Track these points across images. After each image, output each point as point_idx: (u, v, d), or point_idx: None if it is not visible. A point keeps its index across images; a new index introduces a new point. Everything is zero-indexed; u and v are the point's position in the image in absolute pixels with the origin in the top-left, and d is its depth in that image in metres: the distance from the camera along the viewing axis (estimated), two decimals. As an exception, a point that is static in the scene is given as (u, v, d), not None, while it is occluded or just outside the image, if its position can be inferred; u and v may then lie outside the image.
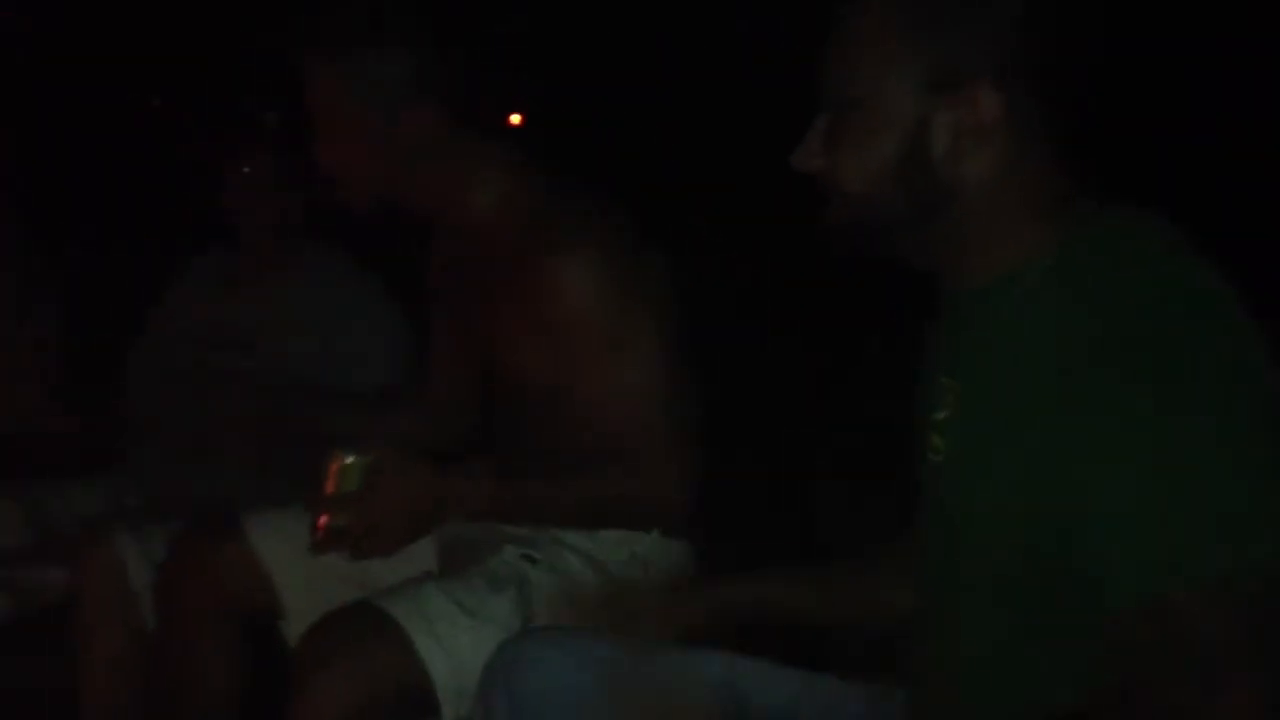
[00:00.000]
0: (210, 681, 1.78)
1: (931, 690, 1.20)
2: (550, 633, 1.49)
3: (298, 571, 1.69)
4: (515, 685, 1.31)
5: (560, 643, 1.35)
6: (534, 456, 1.73)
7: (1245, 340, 0.99)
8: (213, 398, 2.30)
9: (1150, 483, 0.93)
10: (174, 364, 2.42)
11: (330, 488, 1.56)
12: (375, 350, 2.35)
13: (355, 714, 1.48)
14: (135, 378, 2.49)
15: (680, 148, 7.71)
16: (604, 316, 1.58)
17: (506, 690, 1.31)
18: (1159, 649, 0.92)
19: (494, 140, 1.69)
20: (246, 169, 2.40)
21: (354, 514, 1.55)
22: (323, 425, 1.92)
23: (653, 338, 1.61)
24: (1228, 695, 0.91)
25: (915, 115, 1.06)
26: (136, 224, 4.91)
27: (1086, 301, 1.01)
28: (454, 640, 1.53)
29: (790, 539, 2.66)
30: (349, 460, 1.55)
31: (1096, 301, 1.00)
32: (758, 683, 1.34)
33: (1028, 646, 1.07)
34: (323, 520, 1.57)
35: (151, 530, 1.96)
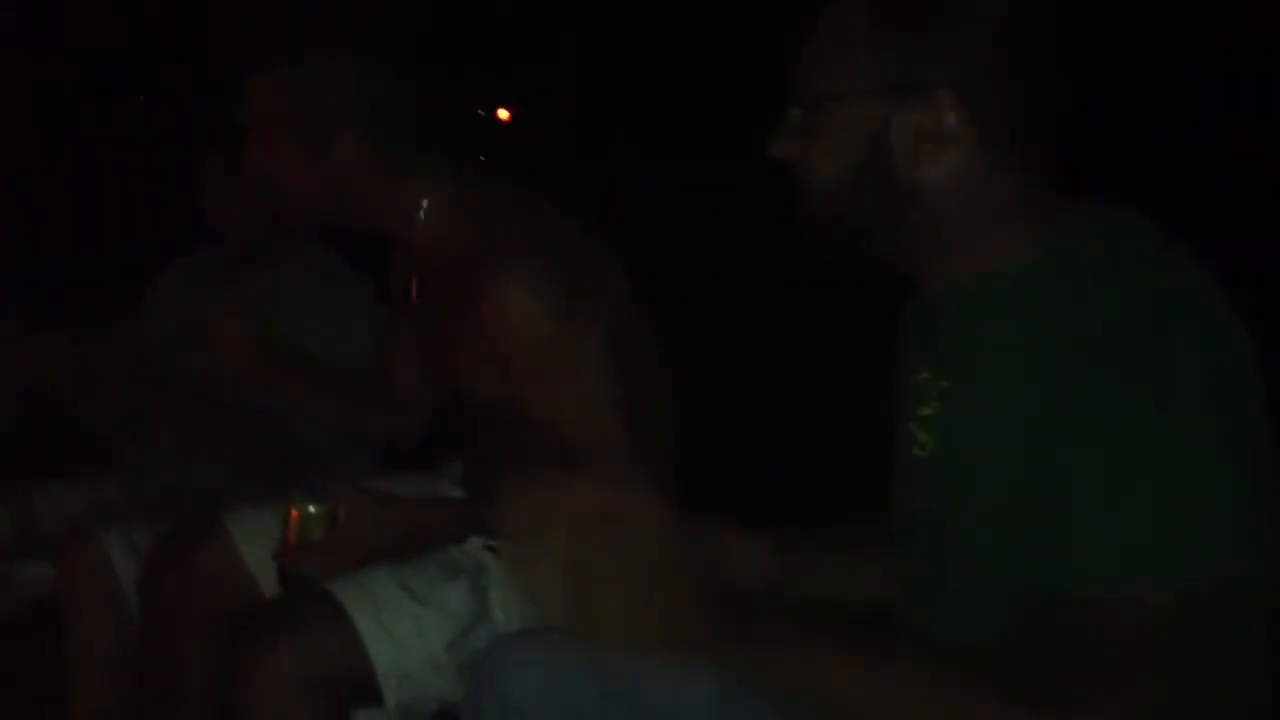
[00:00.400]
0: (195, 680, 1.77)
1: None
2: (540, 634, 1.46)
3: (280, 570, 1.68)
4: (504, 686, 1.30)
5: (550, 644, 1.34)
6: (501, 464, 1.73)
7: (1231, 342, 0.99)
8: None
9: (1120, 483, 0.93)
10: (159, 367, 2.40)
11: (293, 536, 1.56)
12: (365, 350, 2.33)
13: (298, 695, 1.49)
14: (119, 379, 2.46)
15: (681, 148, 7.70)
16: (545, 338, 1.57)
17: (494, 691, 1.30)
18: (1074, 638, 0.94)
19: (433, 163, 1.67)
20: (213, 165, 2.37)
21: (318, 563, 1.57)
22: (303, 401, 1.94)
23: (601, 355, 1.59)
24: (1119, 699, 0.92)
25: (878, 116, 1.08)
26: (125, 221, 4.90)
27: (1074, 302, 1.01)
28: (397, 626, 1.55)
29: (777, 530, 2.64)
30: (311, 510, 1.56)
31: (1084, 302, 1.00)
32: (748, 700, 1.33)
33: (1019, 644, 1.05)
34: (288, 568, 1.58)
35: (138, 528, 1.95)
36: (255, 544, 1.74)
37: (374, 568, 1.61)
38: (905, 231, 1.11)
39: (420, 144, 1.65)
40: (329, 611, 1.54)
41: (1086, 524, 0.95)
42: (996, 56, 1.05)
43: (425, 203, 1.65)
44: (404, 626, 1.55)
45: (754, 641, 1.04)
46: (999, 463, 1.03)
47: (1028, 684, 0.96)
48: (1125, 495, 0.93)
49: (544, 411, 1.59)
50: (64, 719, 1.92)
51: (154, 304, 2.51)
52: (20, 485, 2.26)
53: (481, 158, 1.70)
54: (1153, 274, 1.01)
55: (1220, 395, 0.95)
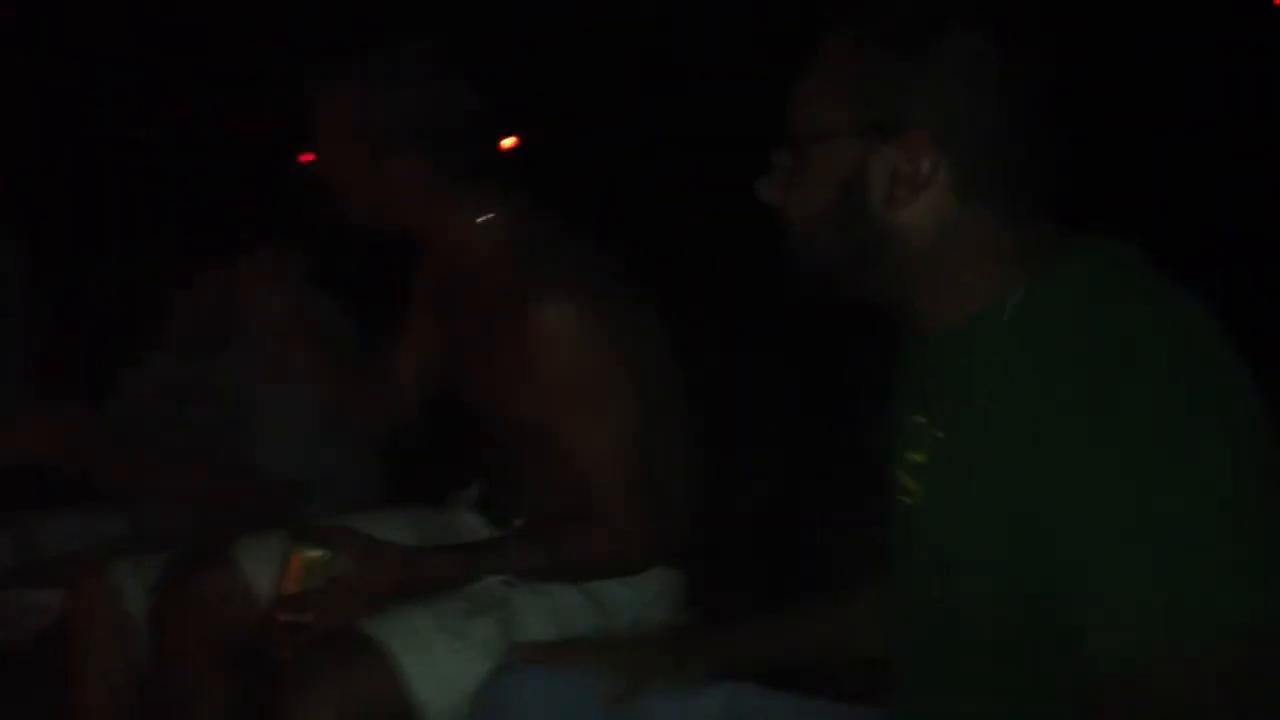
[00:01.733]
0: (205, 708, 1.77)
1: None
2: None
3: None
4: (509, 716, 1.30)
5: (556, 673, 1.35)
6: (523, 492, 1.75)
7: (1227, 374, 0.96)
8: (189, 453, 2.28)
9: (1130, 545, 0.90)
10: (149, 421, 2.39)
11: (293, 584, 1.53)
12: None
13: None
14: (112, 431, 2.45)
15: (682, 149, 7.69)
16: (585, 369, 1.58)
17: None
18: (1137, 715, 0.89)
19: (485, 187, 1.70)
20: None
21: (316, 612, 1.54)
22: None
23: (634, 391, 1.61)
24: None
25: (855, 159, 1.06)
26: (126, 222, 4.87)
27: (1060, 348, 0.98)
28: (440, 662, 1.54)
29: (784, 556, 2.64)
30: (312, 555, 1.53)
31: (1071, 349, 0.97)
32: (758, 709, 1.33)
33: (1016, 696, 1.04)
34: (286, 616, 1.54)
35: (147, 558, 1.95)
36: (263, 572, 1.72)
37: (412, 605, 1.60)
38: (885, 275, 1.09)
39: (475, 168, 1.69)
40: (370, 651, 1.53)
41: (1085, 591, 0.91)
42: (971, 98, 1.02)
43: (476, 224, 1.69)
44: (446, 662, 1.54)
45: None
46: (992, 515, 1.00)
47: None
48: (1127, 556, 0.89)
49: (569, 441, 1.60)
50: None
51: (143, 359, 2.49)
52: (20, 514, 2.26)
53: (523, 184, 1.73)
54: (1141, 312, 0.97)
55: (1213, 447, 0.91)
